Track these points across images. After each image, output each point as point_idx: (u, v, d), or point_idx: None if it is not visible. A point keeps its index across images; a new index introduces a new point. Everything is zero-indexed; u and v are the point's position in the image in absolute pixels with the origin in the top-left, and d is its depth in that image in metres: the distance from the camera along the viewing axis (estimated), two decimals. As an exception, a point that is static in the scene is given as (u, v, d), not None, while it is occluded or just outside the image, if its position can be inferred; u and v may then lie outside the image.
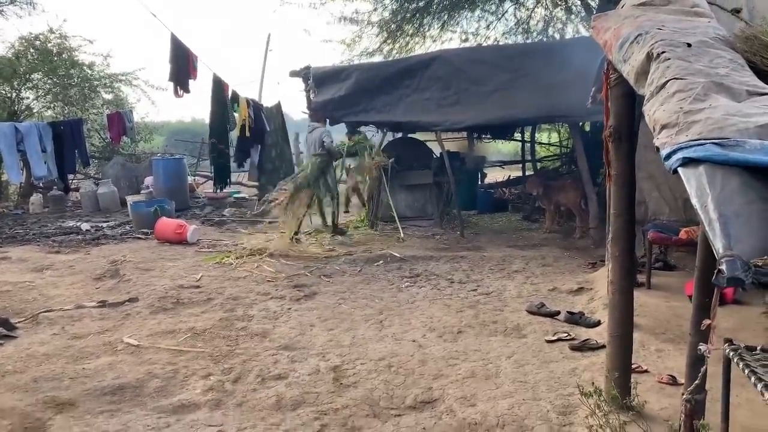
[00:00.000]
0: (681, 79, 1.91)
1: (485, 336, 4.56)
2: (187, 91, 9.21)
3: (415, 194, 9.93)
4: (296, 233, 8.07)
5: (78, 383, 3.77)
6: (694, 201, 1.47)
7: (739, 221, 1.35)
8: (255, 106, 11.23)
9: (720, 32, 2.37)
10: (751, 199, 1.41)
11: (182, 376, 3.87)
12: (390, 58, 12.68)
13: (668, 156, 1.65)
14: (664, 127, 1.77)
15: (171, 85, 9.11)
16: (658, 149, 1.75)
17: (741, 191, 1.43)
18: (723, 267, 1.27)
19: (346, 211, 9.67)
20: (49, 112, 15.24)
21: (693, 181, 1.52)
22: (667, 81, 1.95)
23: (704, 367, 1.85)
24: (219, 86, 10.11)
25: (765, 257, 1.29)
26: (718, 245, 1.32)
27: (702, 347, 1.77)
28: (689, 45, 2.14)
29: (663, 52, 2.13)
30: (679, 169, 1.58)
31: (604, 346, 3.65)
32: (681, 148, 1.61)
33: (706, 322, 1.57)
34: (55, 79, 14.53)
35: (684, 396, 2.04)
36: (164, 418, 3.30)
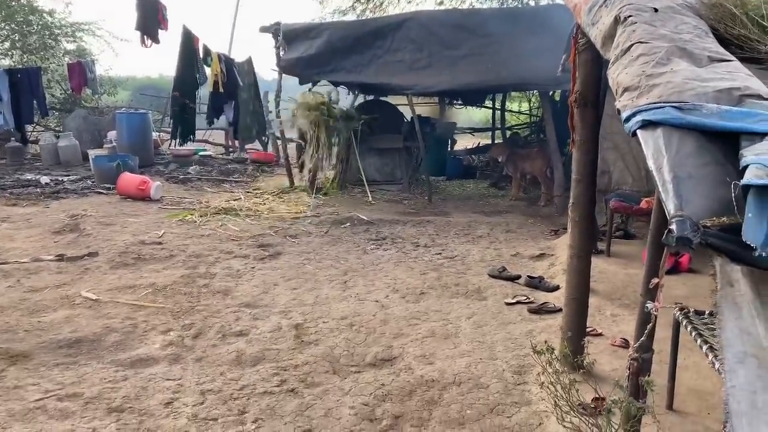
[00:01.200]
0: (645, 43, 1.92)
1: (447, 298, 4.62)
2: (156, 41, 8.90)
3: (385, 158, 9.90)
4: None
5: (33, 336, 3.71)
6: (650, 163, 1.49)
7: (691, 182, 1.37)
8: (227, 62, 10.95)
9: (687, -1, 2.37)
10: (705, 161, 1.43)
11: (141, 331, 3.84)
12: (362, 18, 12.45)
13: (628, 118, 1.66)
14: (626, 89, 1.78)
15: (138, 34, 8.78)
16: (619, 111, 1.76)
17: (696, 154, 1.45)
18: (673, 227, 1.29)
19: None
20: (7, 61, 14.61)
21: (650, 143, 1.54)
22: (632, 44, 1.95)
23: (651, 325, 1.91)
24: (189, 39, 9.81)
25: (714, 218, 1.32)
26: (670, 206, 1.34)
27: (649, 305, 1.82)
28: (656, 10, 2.13)
29: (630, 16, 2.13)
30: (638, 132, 1.59)
31: (560, 310, 3.74)
32: (640, 111, 1.62)
33: (655, 281, 1.61)
34: (13, 25, 13.93)
35: (630, 354, 2.11)
36: (121, 372, 3.27)
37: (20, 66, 13.32)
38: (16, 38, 14.16)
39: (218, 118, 11.67)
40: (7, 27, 14.01)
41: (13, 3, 13.69)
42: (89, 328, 3.83)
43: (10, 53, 14.69)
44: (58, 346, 3.58)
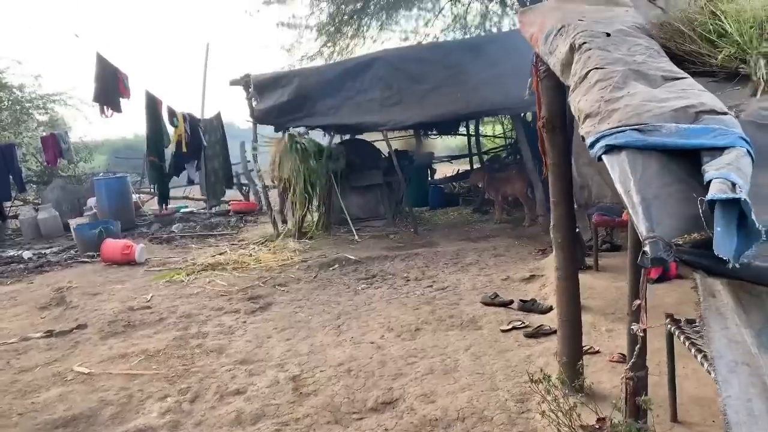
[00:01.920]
0: (601, 68, 1.98)
1: (442, 331, 4.60)
2: (117, 110, 8.95)
3: (367, 195, 9.95)
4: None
5: (27, 419, 3.62)
6: (618, 187, 1.52)
7: (658, 203, 1.40)
8: (191, 121, 11.03)
9: (638, 20, 2.46)
10: (669, 181, 1.47)
11: (137, 401, 3.76)
12: (331, 61, 12.65)
13: (592, 144, 1.70)
14: (587, 116, 1.83)
15: (97, 105, 8.83)
16: (583, 138, 1.80)
17: (660, 174, 1.49)
18: (647, 248, 1.32)
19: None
20: (-21, 139, 14.59)
21: (616, 167, 1.57)
22: (589, 71, 2.01)
23: (638, 345, 1.92)
24: (153, 103, 9.89)
25: (685, 236, 1.35)
26: (642, 228, 1.37)
27: (633, 327, 1.83)
28: (608, 34, 2.21)
29: (584, 43, 2.20)
30: (603, 157, 1.63)
31: (556, 331, 3.74)
32: (603, 136, 1.66)
33: (636, 302, 1.63)
34: (-17, 104, 13.95)
35: (624, 375, 2.11)
36: (120, 446, 3.20)
37: (-7, 143, 13.30)
38: (-13, 116, 14.19)
39: (178, 176, 11.70)
40: (-23, 106, 14.06)
41: (-18, 82, 13.76)
42: (84, 404, 3.75)
43: (-19, 131, 14.69)
44: (53, 426, 3.50)
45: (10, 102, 14.40)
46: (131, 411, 3.64)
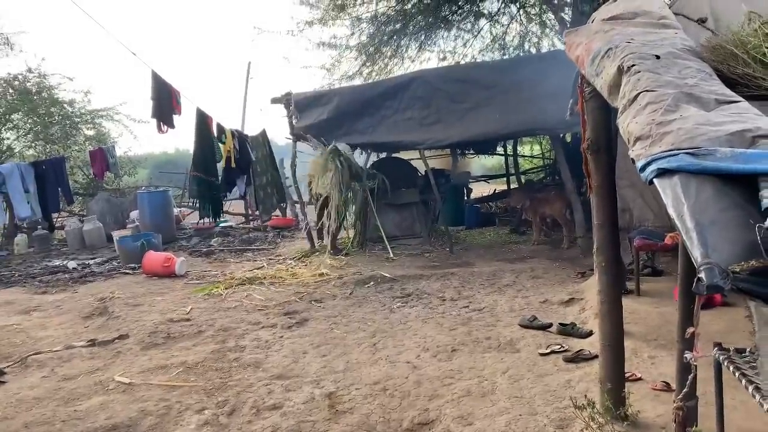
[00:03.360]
0: (652, 91, 1.96)
1: (479, 353, 4.55)
2: (171, 126, 9.21)
3: (403, 213, 9.96)
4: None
5: (70, 426, 3.70)
6: (670, 211, 1.50)
7: (714, 229, 1.37)
8: (240, 137, 11.27)
9: (687, 43, 2.42)
10: (725, 206, 1.44)
11: (176, 412, 3.81)
12: (370, 81, 12.79)
13: (643, 167, 1.68)
14: (638, 139, 1.81)
15: (154, 121, 9.10)
16: (633, 161, 1.78)
17: (715, 199, 1.46)
18: (702, 275, 1.29)
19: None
20: (31, 152, 15.18)
21: (669, 191, 1.55)
22: (639, 93, 1.99)
23: (692, 374, 1.86)
24: (203, 120, 10.14)
25: (742, 263, 1.32)
26: (696, 254, 1.34)
27: (687, 355, 1.78)
28: (658, 57, 2.19)
29: (633, 65, 2.18)
30: (655, 180, 1.61)
31: (597, 356, 3.66)
32: (655, 159, 1.64)
33: (690, 330, 1.58)
34: (35, 118, 14.51)
35: (675, 404, 2.05)
36: (159, 457, 3.24)
37: (44, 155, 13.82)
38: (39, 130, 14.73)
39: (231, 192, 11.92)
40: (30, 120, 14.61)
41: (35, 97, 14.31)
42: (124, 413, 3.82)
43: (33, 144, 15.26)
44: (94, 434, 3.57)
45: (60, 117, 14.95)
46: (170, 422, 3.69)
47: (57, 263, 9.94)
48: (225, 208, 14.55)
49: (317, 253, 9.04)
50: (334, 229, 9.08)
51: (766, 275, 1.24)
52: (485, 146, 13.49)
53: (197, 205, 11.62)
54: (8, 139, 14.74)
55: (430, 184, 9.24)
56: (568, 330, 4.77)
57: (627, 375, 3.43)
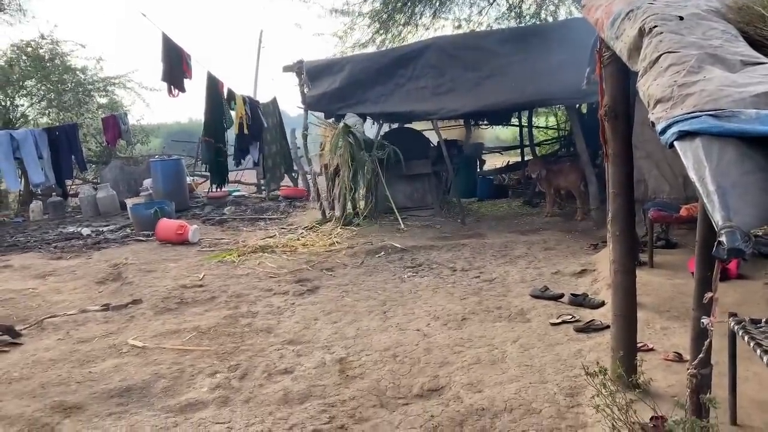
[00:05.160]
0: (674, 52, 1.89)
1: (489, 322, 4.56)
2: (182, 90, 9.14)
3: (414, 184, 9.90)
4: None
5: (85, 387, 3.78)
6: (691, 174, 1.45)
7: (737, 192, 1.33)
8: (251, 104, 11.19)
9: (712, 4, 2.34)
10: (748, 169, 1.40)
11: (188, 375, 3.87)
12: (383, 48, 12.61)
13: (664, 130, 1.63)
14: (658, 101, 1.75)
15: (165, 85, 9.04)
16: (653, 124, 1.73)
17: (738, 162, 1.42)
18: (723, 239, 1.26)
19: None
20: (45, 119, 15.21)
21: (690, 155, 1.50)
22: (660, 55, 1.93)
23: (708, 340, 1.84)
24: (214, 84, 10.06)
25: (764, 227, 1.28)
26: (717, 217, 1.30)
27: (704, 320, 1.76)
28: (681, 18, 2.11)
29: (655, 26, 2.11)
30: (675, 143, 1.56)
31: (608, 327, 3.65)
32: (676, 122, 1.59)
33: (708, 295, 1.55)
34: (48, 85, 14.50)
35: (689, 371, 2.03)
36: (172, 418, 3.30)
37: (57, 123, 13.86)
38: (52, 97, 14.74)
39: (245, 159, 11.90)
40: (43, 87, 14.61)
41: (48, 64, 14.28)
42: (138, 376, 3.88)
43: (47, 111, 15.29)
44: (109, 395, 3.64)
45: (73, 84, 14.93)
46: (183, 385, 3.75)
47: (71, 230, 10.05)
48: (237, 178, 14.60)
49: (328, 223, 9.04)
50: (345, 199, 9.07)
51: (790, 239, 1.21)
52: (499, 117, 13.31)
53: (208, 171, 11.62)
54: (22, 106, 14.76)
55: (442, 155, 9.15)
56: (579, 300, 4.76)
57: (639, 345, 3.42)
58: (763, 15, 2.03)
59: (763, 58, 1.78)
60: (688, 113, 1.58)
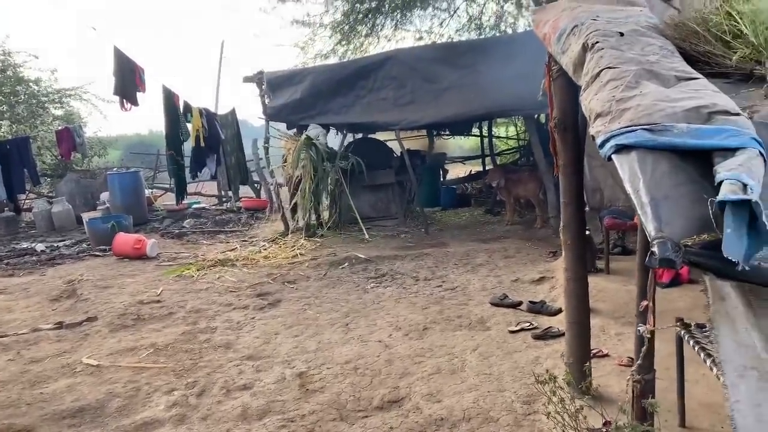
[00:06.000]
0: (614, 68, 1.96)
1: (450, 331, 4.59)
2: (135, 103, 8.98)
3: (378, 194, 9.93)
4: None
5: (35, 408, 3.66)
6: (627, 186, 1.51)
7: (668, 203, 1.38)
8: (209, 116, 11.06)
9: (652, 20, 2.43)
10: (680, 181, 1.45)
11: (144, 394, 3.79)
12: (345, 60, 12.65)
13: (603, 144, 1.68)
14: (598, 115, 1.81)
15: (117, 98, 8.89)
16: (593, 137, 1.79)
17: (670, 174, 1.47)
18: (655, 249, 1.30)
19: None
20: (-4, 132, 14.77)
21: (626, 167, 1.56)
22: (601, 70, 1.99)
23: (645, 347, 1.89)
24: (169, 98, 9.92)
25: (695, 237, 1.33)
26: (650, 228, 1.35)
27: (640, 328, 1.81)
28: (622, 34, 2.19)
29: (597, 42, 2.18)
30: (613, 156, 1.62)
31: (565, 334, 3.72)
32: (614, 136, 1.64)
33: (644, 303, 1.60)
34: (0, 98, 14.08)
35: (632, 377, 2.09)
36: (126, 438, 3.22)
37: (10, 136, 13.46)
38: (4, 109, 14.32)
39: (201, 172, 11.73)
40: (-6, 99, 14.21)
41: (0, 75, 13.89)
42: (92, 396, 3.78)
43: (-1, 124, 14.87)
44: (61, 417, 3.53)
45: (26, 96, 14.54)
46: (138, 404, 3.66)
47: (25, 246, 9.74)
48: (197, 189, 14.39)
49: (291, 235, 8.99)
50: (309, 212, 9.03)
51: (717, 248, 1.26)
52: (460, 127, 13.47)
53: (173, 184, 11.42)
54: (-28, 119, 14.34)
55: (405, 165, 9.22)
56: (537, 308, 4.84)
57: (594, 351, 3.50)
58: (697, 31, 2.11)
59: (695, 74, 1.85)
60: (625, 127, 1.63)
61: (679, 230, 1.33)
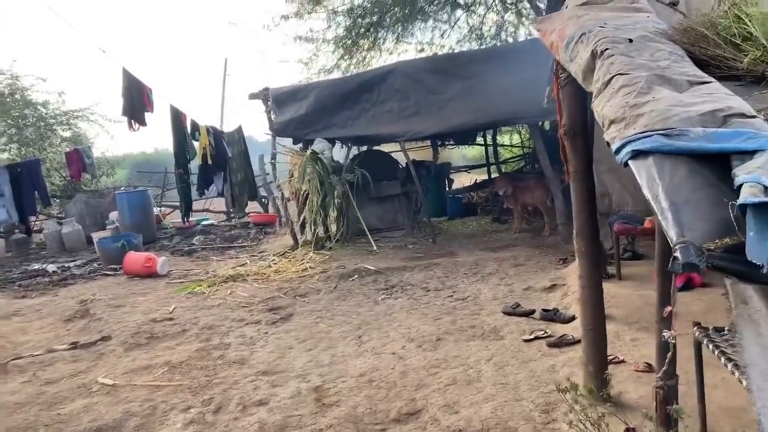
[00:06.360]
0: (625, 74, 1.96)
1: (464, 341, 4.57)
2: (143, 124, 9.07)
3: (385, 206, 9.95)
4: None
5: (53, 430, 3.67)
6: (645, 192, 1.51)
7: (688, 207, 1.38)
8: (215, 134, 11.14)
9: (659, 26, 2.44)
10: (699, 185, 1.45)
11: (161, 412, 3.79)
12: (348, 74, 12.72)
13: (618, 150, 1.69)
14: (612, 122, 1.81)
15: (125, 119, 8.98)
16: (608, 144, 1.79)
17: (689, 179, 1.47)
18: (677, 254, 1.30)
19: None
20: (5, 155, 14.91)
21: (643, 173, 1.56)
22: (612, 77, 2.00)
23: (670, 353, 1.89)
24: (177, 117, 10.01)
25: (717, 241, 1.33)
26: (671, 233, 1.35)
27: (665, 334, 1.80)
28: (631, 40, 2.20)
29: (606, 49, 2.19)
30: (630, 162, 1.62)
31: (580, 341, 3.70)
32: (629, 141, 1.65)
33: (667, 309, 1.60)
34: (9, 121, 14.24)
35: (655, 383, 2.07)
36: (145, 457, 3.22)
37: (19, 158, 13.58)
38: (13, 132, 14.47)
39: (208, 189, 11.80)
40: (3, 123, 14.34)
41: (8, 99, 14.04)
42: (109, 415, 3.78)
43: (8, 147, 14.99)
44: (78, 437, 3.53)
45: (34, 119, 14.69)
46: (155, 422, 3.66)
47: (36, 267, 9.79)
48: (205, 206, 14.45)
49: (300, 249, 9.01)
50: (317, 225, 9.06)
51: (740, 252, 1.25)
52: (465, 137, 13.50)
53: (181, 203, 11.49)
54: (-19, 143, 14.49)
55: (411, 175, 9.24)
56: (550, 316, 4.82)
57: (610, 358, 3.48)
58: (706, 35, 2.12)
59: (707, 78, 1.86)
60: (640, 133, 1.63)
61: (701, 234, 1.33)
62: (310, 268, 7.80)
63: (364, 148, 11.09)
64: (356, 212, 9.15)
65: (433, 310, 5.50)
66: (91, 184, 15.32)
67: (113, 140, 28.60)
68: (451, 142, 14.23)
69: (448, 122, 8.56)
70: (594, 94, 2.09)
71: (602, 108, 1.93)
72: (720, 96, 1.69)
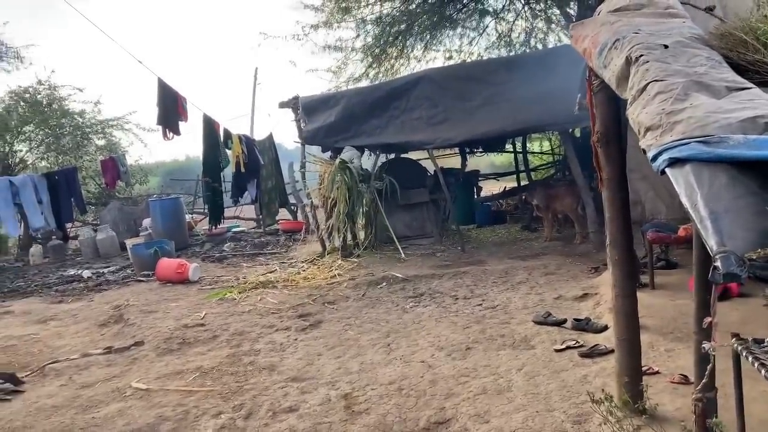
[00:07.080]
0: (661, 80, 1.94)
1: (494, 350, 4.53)
2: (177, 133, 9.26)
3: (413, 213, 9.95)
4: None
5: (88, 433, 3.73)
6: (684, 200, 1.48)
7: (729, 217, 1.36)
8: (248, 142, 11.31)
9: (695, 31, 2.40)
10: (739, 193, 1.42)
11: (193, 417, 3.83)
12: (376, 82, 12.78)
13: (655, 157, 1.66)
14: (648, 129, 1.79)
15: (160, 128, 9.17)
16: (644, 151, 1.77)
17: (729, 187, 1.45)
18: (718, 264, 1.28)
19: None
20: (44, 163, 15.33)
21: (681, 181, 1.53)
22: (648, 83, 1.98)
23: (710, 365, 1.84)
24: (209, 125, 10.18)
25: (759, 250, 1.30)
26: (712, 242, 1.32)
27: (706, 345, 1.76)
28: (666, 46, 2.17)
29: (641, 56, 2.16)
30: (667, 170, 1.60)
31: (613, 351, 3.63)
32: (666, 149, 1.62)
33: (707, 320, 1.56)
34: (47, 130, 14.65)
35: (694, 396, 2.03)
36: (177, 462, 3.26)
37: (56, 167, 13.94)
38: (51, 141, 14.88)
39: (242, 197, 11.96)
40: (41, 132, 14.75)
41: (46, 109, 14.44)
42: (142, 419, 3.84)
43: (45, 156, 15.42)
44: (113, 441, 3.60)
45: (71, 128, 15.08)
46: (188, 427, 3.71)
47: (72, 272, 10.03)
48: (236, 213, 14.65)
49: (329, 256, 9.05)
50: (343, 231, 9.10)
51: (783, 262, 1.23)
52: (494, 144, 13.42)
53: (207, 210, 11.70)
54: (21, 151, 14.90)
55: (439, 183, 9.23)
56: (582, 325, 4.75)
57: (644, 369, 3.41)
58: (745, 40, 2.08)
59: (747, 83, 1.82)
60: (678, 140, 1.61)
61: (742, 244, 1.31)
62: (338, 275, 7.83)
63: (393, 155, 11.11)
64: (384, 220, 9.16)
65: (462, 319, 5.46)
66: (125, 192, 15.66)
67: (146, 148, 29.11)
68: (480, 150, 14.16)
69: (477, 129, 8.54)
70: (629, 101, 2.06)
71: (638, 115, 1.90)
72: (761, 102, 1.66)
